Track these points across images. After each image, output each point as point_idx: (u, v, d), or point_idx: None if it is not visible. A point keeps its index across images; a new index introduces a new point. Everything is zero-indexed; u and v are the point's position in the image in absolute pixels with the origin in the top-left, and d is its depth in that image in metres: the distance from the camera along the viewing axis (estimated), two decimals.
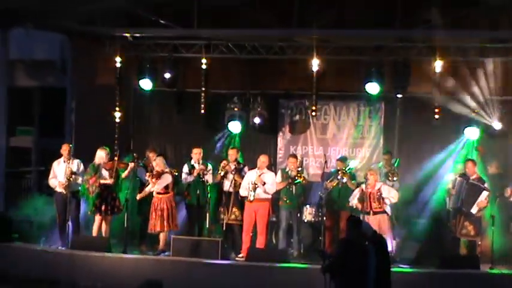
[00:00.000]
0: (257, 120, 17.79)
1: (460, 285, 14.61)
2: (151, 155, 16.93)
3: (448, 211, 16.09)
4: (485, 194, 15.76)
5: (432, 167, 17.20)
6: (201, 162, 16.48)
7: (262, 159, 16.22)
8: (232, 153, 16.85)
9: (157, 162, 16.16)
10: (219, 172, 16.60)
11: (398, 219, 16.63)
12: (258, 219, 16.00)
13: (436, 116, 16.96)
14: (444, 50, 16.90)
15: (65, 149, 16.53)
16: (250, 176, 16.14)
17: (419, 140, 17.67)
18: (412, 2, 16.25)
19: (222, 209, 16.65)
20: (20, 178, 20.28)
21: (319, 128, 18.28)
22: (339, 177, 16.16)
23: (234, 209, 16.55)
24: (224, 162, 16.82)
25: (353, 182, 16.29)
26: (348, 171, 16.30)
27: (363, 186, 15.79)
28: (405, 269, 15.11)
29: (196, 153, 16.54)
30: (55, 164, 16.58)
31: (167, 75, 17.85)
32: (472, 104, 16.84)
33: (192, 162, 16.57)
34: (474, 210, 15.72)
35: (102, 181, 16.14)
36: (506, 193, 15.84)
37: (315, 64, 17.19)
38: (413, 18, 16.21)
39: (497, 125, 16.85)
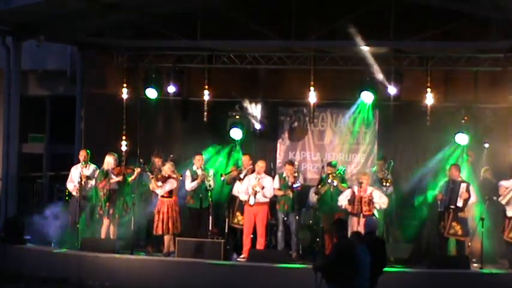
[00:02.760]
0: (257, 126, 18.16)
1: (451, 285, 15.00)
2: (156, 160, 17.32)
3: (439, 213, 16.39)
4: (463, 185, 16.14)
5: (424, 172, 17.52)
6: (202, 168, 16.92)
7: (260, 165, 16.65)
8: (245, 159, 17.24)
9: (166, 168, 16.51)
10: (222, 179, 17.07)
11: (392, 221, 17.01)
12: (258, 222, 16.46)
13: (428, 123, 17.42)
14: (435, 60, 17.40)
15: (81, 154, 17.00)
16: (248, 181, 16.58)
17: (412, 145, 18.00)
18: (404, 14, 16.68)
19: (226, 213, 17.14)
20: (32, 183, 20.49)
21: (317, 135, 18.59)
22: (329, 181, 16.51)
23: (237, 213, 17.04)
24: (232, 167, 17.32)
25: (343, 184, 16.63)
26: (337, 174, 16.60)
27: (355, 188, 16.12)
28: (398, 268, 15.45)
29: (199, 160, 16.98)
30: (73, 169, 17.04)
31: (171, 89, 18.37)
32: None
33: (194, 168, 16.98)
34: (460, 203, 16.11)
35: (112, 181, 16.54)
36: (500, 190, 16.07)
37: (313, 73, 17.69)
38: (406, 30, 16.65)
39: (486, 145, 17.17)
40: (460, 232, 16.18)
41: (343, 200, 16.21)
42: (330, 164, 16.98)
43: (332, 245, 15.16)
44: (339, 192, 16.52)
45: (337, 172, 16.65)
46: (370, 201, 15.96)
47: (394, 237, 16.87)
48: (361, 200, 16.01)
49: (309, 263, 14.84)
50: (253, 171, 16.90)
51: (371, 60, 16.80)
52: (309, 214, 17.12)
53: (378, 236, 12.99)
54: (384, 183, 16.75)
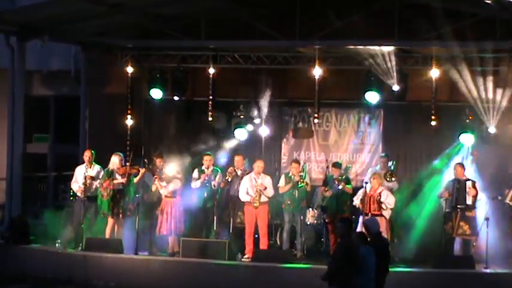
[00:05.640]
0: (263, 130, 18.22)
1: (456, 285, 15.03)
2: (158, 160, 17.18)
3: (445, 213, 16.41)
4: (469, 183, 16.18)
5: (429, 171, 17.57)
6: (211, 168, 16.93)
7: (259, 164, 16.60)
8: (238, 160, 17.22)
9: (171, 167, 16.49)
10: (226, 178, 17.05)
11: (397, 221, 16.92)
12: (259, 221, 16.47)
13: (433, 123, 17.41)
14: (439, 59, 17.35)
15: (86, 154, 16.96)
16: (247, 181, 16.56)
17: (416, 145, 18.06)
18: (409, 14, 16.71)
19: (228, 213, 17.10)
20: (36, 183, 20.57)
21: (321, 135, 18.67)
22: (335, 185, 16.58)
23: (240, 213, 17.01)
24: (231, 168, 17.27)
25: (348, 186, 16.66)
26: (342, 178, 16.66)
27: (367, 187, 16.18)
28: (403, 268, 15.45)
29: (207, 160, 16.96)
30: (77, 169, 17.02)
31: (176, 98, 18.42)
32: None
33: (203, 168, 16.98)
34: (469, 201, 16.14)
35: (115, 181, 16.57)
36: (505, 195, 16.25)
37: (317, 73, 17.65)
38: (410, 29, 16.67)
39: (492, 130, 17.11)
40: (468, 232, 16.20)
41: (356, 200, 16.29)
42: (335, 165, 17.02)
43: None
44: (344, 194, 16.59)
45: (341, 177, 16.67)
46: (379, 201, 16.01)
47: (399, 237, 16.86)
48: (370, 199, 16.07)
49: (316, 264, 15.27)
50: (247, 172, 16.91)
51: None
52: (314, 214, 17.07)
53: (384, 237, 12.97)
54: (388, 179, 16.78)
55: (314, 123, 18.46)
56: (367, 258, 11.53)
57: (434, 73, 17.30)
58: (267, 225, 16.55)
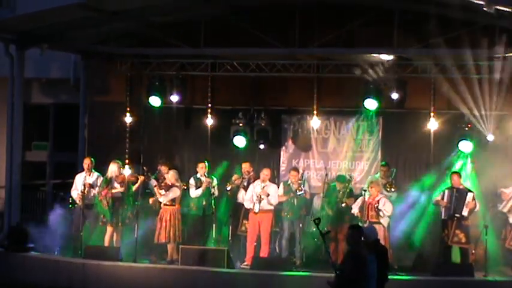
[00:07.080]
0: (261, 145, 18.21)
1: None
2: (163, 168, 17.27)
3: (442, 221, 16.45)
4: (470, 195, 16.22)
5: (428, 179, 17.52)
6: (206, 176, 16.97)
7: (265, 172, 16.70)
8: (245, 167, 17.33)
9: (170, 175, 16.57)
10: (227, 185, 17.11)
11: (395, 228, 16.89)
12: (262, 229, 16.50)
13: (432, 130, 17.44)
14: (438, 67, 17.36)
15: (86, 162, 17.04)
16: (254, 188, 16.64)
17: (415, 153, 18.02)
18: (408, 22, 16.75)
19: (232, 220, 17.17)
20: (35, 190, 20.55)
21: (320, 142, 18.58)
22: (340, 205, 16.64)
23: (244, 221, 17.04)
24: (235, 176, 17.35)
25: (348, 199, 16.70)
26: (347, 193, 16.70)
27: (366, 195, 16.23)
28: (402, 276, 15.43)
29: (202, 168, 17.06)
30: (77, 177, 17.09)
31: (174, 99, 18.38)
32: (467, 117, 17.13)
33: (198, 175, 17.06)
34: (465, 212, 16.18)
35: (114, 191, 16.60)
36: (503, 196, 16.25)
37: (316, 81, 17.69)
38: (409, 37, 16.73)
39: (490, 138, 17.11)
40: (463, 240, 16.23)
41: (355, 208, 16.32)
42: (339, 179, 17.03)
43: (340, 251, 15.34)
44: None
45: (346, 192, 16.71)
46: (376, 208, 16.03)
47: (397, 244, 16.82)
48: (369, 206, 16.11)
49: (315, 271, 15.33)
50: (255, 178, 16.97)
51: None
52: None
53: (382, 245, 12.96)
54: (388, 189, 16.80)
55: (313, 131, 18.43)
56: (370, 267, 11.44)
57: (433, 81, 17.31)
58: (269, 233, 16.58)
